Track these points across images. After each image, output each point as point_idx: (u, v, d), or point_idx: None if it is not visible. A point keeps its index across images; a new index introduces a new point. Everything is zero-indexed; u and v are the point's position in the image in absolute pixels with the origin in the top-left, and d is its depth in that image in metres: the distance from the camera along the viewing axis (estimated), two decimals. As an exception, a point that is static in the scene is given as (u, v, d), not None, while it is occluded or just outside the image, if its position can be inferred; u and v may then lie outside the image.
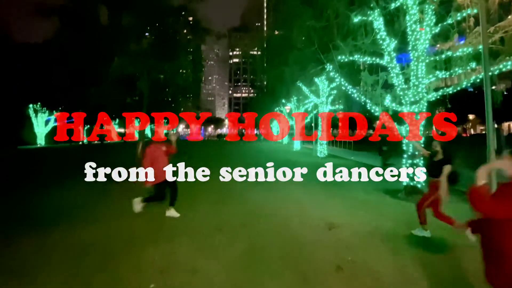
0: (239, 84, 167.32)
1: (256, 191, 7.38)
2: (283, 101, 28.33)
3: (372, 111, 7.83)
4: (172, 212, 4.99)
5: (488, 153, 5.13)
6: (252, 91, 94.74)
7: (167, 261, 3.39)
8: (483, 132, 57.57)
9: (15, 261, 3.37)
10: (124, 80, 7.63)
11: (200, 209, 5.64)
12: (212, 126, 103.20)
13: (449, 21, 6.82)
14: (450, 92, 6.90)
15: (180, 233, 4.35)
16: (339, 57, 7.82)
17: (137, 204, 4.86)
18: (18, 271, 3.13)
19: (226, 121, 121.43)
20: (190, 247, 3.83)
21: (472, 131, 53.23)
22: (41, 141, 29.13)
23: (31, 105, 26.42)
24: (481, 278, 1.82)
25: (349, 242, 4.03)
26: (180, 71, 8.41)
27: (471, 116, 44.75)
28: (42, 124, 28.06)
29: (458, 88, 6.81)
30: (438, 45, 7.04)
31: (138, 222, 4.75)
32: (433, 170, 4.31)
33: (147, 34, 9.06)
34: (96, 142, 25.43)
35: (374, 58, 7.51)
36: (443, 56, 6.74)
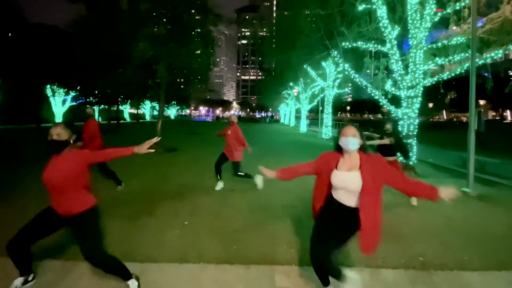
0: (247, 66, 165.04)
1: (264, 162, 8.30)
2: (291, 84, 28.64)
3: (372, 94, 8.46)
4: (219, 184, 5.59)
5: (469, 132, 5.84)
6: (260, 73, 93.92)
7: (194, 208, 4.39)
8: (496, 118, 56.58)
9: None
10: (145, 63, 8.41)
11: (212, 177, 6.59)
12: (220, 108, 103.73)
13: (448, 10, 7.27)
14: (445, 78, 7.47)
15: (201, 191, 5.34)
16: (343, 44, 8.36)
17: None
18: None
19: (234, 104, 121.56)
20: (210, 201, 4.82)
21: (483, 117, 52.47)
22: (59, 120, 30.58)
23: (48, 86, 27.59)
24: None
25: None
26: (195, 54, 9.00)
27: (481, 102, 44.09)
28: (59, 103, 29.40)
29: (453, 75, 7.37)
30: (436, 34, 7.51)
31: (166, 183, 5.75)
32: (387, 150, 4.97)
33: (164, 19, 9.69)
34: (112, 122, 26.61)
35: (376, 45, 8.04)
36: (439, 44, 7.24)
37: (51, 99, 29.11)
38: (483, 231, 3.83)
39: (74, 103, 30.54)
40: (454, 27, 7.29)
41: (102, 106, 26.20)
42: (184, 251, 3.07)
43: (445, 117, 67.60)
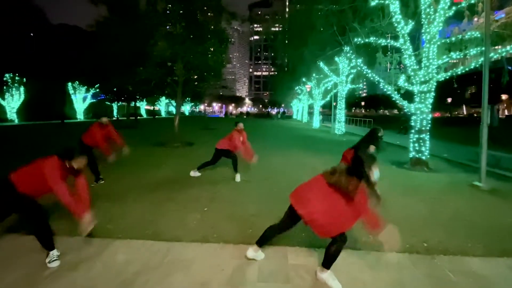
0: (260, 62, 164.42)
1: (277, 156, 8.73)
2: (304, 79, 28.59)
3: (385, 89, 8.51)
4: (238, 177, 5.92)
5: (481, 127, 5.87)
6: (272, 69, 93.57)
7: (213, 196, 4.76)
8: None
9: (113, 193, 4.84)
10: (163, 61, 8.84)
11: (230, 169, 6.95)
12: (233, 104, 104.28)
13: (463, 3, 7.21)
14: (459, 73, 7.43)
15: (220, 182, 5.73)
16: (356, 39, 8.44)
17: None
18: (117, 199, 4.57)
19: (247, 100, 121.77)
20: (228, 190, 5.19)
21: (506, 112, 50.17)
22: (80, 116, 32.05)
23: (70, 83, 28.97)
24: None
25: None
26: (210, 52, 9.32)
27: (504, 96, 42.25)
28: (80, 100, 30.82)
29: (467, 69, 7.32)
30: (450, 28, 7.46)
31: (185, 174, 6.17)
32: None
33: (180, 18, 10.04)
34: (131, 118, 27.61)
35: (389, 40, 8.07)
36: (453, 39, 7.20)
37: (72, 96, 30.47)
38: (490, 223, 3.94)
39: (94, 100, 31.82)
40: (468, 21, 7.22)
41: (120, 103, 27.16)
42: (205, 232, 3.42)
43: (465, 112, 65.16)
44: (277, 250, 3.06)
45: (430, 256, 3.03)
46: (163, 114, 58.70)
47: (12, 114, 27.75)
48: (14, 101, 27.68)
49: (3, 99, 27.40)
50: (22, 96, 27.91)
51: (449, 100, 50.86)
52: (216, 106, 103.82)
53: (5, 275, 2.51)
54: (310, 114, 38.86)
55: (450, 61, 7.64)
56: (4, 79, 26.46)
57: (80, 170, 2.91)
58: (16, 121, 27.40)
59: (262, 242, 2.82)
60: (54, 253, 2.75)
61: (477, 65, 7.16)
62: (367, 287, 2.47)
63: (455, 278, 2.64)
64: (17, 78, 27.27)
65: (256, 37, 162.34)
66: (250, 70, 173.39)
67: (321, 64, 17.91)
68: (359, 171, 2.23)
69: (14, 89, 27.33)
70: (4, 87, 26.78)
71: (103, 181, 5.52)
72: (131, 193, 4.87)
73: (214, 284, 2.45)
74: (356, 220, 2.36)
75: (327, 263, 2.47)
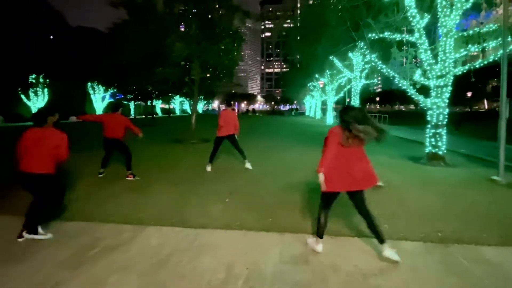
0: (271, 59, 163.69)
1: (292, 152, 8.95)
2: (317, 75, 28.41)
3: (400, 85, 8.47)
4: (248, 164, 6.49)
5: (500, 121, 5.82)
6: (284, 66, 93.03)
7: (233, 188, 5.04)
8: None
9: (139, 186, 5.19)
10: (180, 62, 9.19)
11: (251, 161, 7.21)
12: (245, 102, 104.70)
13: (481, -5, 7.08)
14: (477, 66, 7.32)
15: (236, 175, 6.05)
16: (370, 35, 8.43)
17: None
18: (144, 191, 4.92)
19: (259, 97, 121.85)
20: (245, 182, 5.47)
21: (530, 107, 47.78)
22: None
23: (89, 83, 30.18)
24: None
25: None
26: (224, 51, 9.58)
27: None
28: (99, 100, 32.06)
29: (485, 62, 7.21)
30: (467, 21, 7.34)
31: (204, 168, 6.48)
32: None
33: (195, 19, 10.33)
34: (148, 117, 28.52)
35: (404, 35, 8.02)
36: (471, 32, 7.09)
37: (91, 96, 31.69)
38: (507, 215, 3.95)
39: (112, 100, 32.96)
40: (485, 13, 7.08)
41: (137, 102, 28.05)
42: (228, 221, 3.67)
43: (486, 107, 62.52)
44: (297, 237, 3.26)
45: (444, 245, 3.13)
46: (178, 112, 59.86)
47: (36, 114, 29.21)
48: (38, 101, 29.16)
49: (29, 99, 28.90)
50: (46, 97, 29.34)
51: (469, 94, 48.91)
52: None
53: (57, 255, 2.85)
54: (323, 110, 38.57)
55: (469, 54, 7.51)
56: (30, 80, 27.90)
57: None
58: (41, 121, 28.81)
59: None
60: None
61: (496, 58, 7.04)
62: (381, 271, 2.63)
63: (468, 265, 2.75)
64: (41, 79, 28.68)
65: (267, 34, 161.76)
66: (262, 67, 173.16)
67: (334, 59, 17.81)
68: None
69: (38, 90, 28.78)
70: (30, 88, 28.25)
71: (138, 177, 5.81)
72: (156, 186, 5.22)
73: (239, 265, 2.69)
74: None
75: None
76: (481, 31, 6.90)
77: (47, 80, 28.88)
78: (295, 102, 75.91)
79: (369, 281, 2.47)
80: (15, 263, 2.69)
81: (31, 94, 28.67)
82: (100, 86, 30.81)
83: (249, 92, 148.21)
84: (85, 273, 2.55)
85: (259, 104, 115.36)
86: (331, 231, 3.38)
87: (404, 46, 9.08)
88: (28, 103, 28.96)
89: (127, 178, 5.67)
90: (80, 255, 2.84)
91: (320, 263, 2.75)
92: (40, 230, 3.18)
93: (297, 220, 3.65)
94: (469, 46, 7.30)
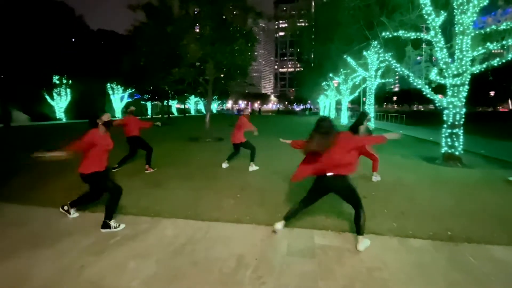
0: (285, 58, 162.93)
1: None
2: (331, 75, 28.13)
3: (415, 84, 8.34)
4: (253, 167, 6.57)
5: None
6: (298, 65, 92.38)
7: (244, 184, 5.22)
8: None
9: (157, 181, 5.46)
10: (195, 63, 9.47)
11: (259, 162, 7.34)
12: (259, 101, 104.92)
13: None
14: (495, 64, 7.11)
15: (251, 173, 6.21)
16: (384, 33, 8.35)
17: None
18: (160, 186, 5.17)
19: (272, 97, 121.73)
20: (256, 180, 5.61)
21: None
22: (118, 114, 34.56)
23: (108, 84, 31.38)
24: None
25: (374, 185, 5.29)
26: (238, 51, 9.76)
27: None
28: (118, 100, 33.26)
29: (503, 61, 6.99)
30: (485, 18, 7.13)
31: (217, 165, 6.68)
32: None
33: (209, 21, 10.58)
34: (164, 116, 29.31)
35: (418, 33, 7.89)
36: (488, 29, 6.89)
37: (111, 96, 32.86)
38: (521, 216, 3.90)
39: (130, 99, 34.05)
40: (503, 11, 6.86)
41: (154, 102, 28.85)
42: (239, 215, 3.83)
43: (510, 107, 59.57)
44: (304, 232, 3.38)
45: (453, 243, 3.15)
46: (192, 112, 60.90)
47: (60, 113, 30.73)
48: (62, 101, 30.59)
49: (53, 99, 30.38)
50: (69, 97, 30.74)
51: (492, 93, 46.76)
52: (242, 103, 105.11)
53: (80, 241, 3.12)
54: (338, 110, 38.08)
55: (489, 51, 7.30)
56: (53, 81, 29.32)
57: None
58: (64, 120, 30.26)
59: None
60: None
61: (516, 56, 6.82)
62: (386, 266, 2.70)
63: (476, 263, 2.77)
64: (64, 80, 30.08)
65: (281, 33, 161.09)
66: (276, 67, 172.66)
67: (349, 58, 17.63)
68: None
69: (62, 90, 30.20)
70: (54, 89, 29.70)
71: (155, 168, 6.35)
72: (172, 181, 5.47)
73: (249, 255, 2.84)
74: None
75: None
76: (498, 29, 6.70)
77: (70, 81, 30.26)
78: (309, 101, 75.22)
79: (374, 275, 2.55)
80: (44, 247, 2.97)
81: (54, 94, 30.13)
82: (119, 86, 31.97)
83: (263, 92, 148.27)
84: (107, 258, 2.78)
85: (273, 104, 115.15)
86: (338, 227, 3.48)
87: (423, 44, 8.90)
88: (52, 103, 30.44)
89: (146, 171, 6.21)
90: (102, 243, 3.09)
91: (326, 256, 2.85)
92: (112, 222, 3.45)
93: (306, 217, 3.75)
94: (488, 44, 7.10)
